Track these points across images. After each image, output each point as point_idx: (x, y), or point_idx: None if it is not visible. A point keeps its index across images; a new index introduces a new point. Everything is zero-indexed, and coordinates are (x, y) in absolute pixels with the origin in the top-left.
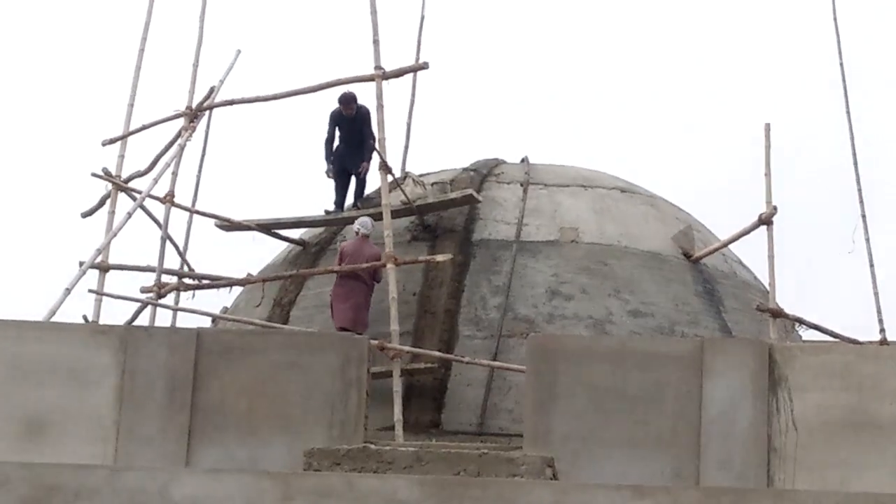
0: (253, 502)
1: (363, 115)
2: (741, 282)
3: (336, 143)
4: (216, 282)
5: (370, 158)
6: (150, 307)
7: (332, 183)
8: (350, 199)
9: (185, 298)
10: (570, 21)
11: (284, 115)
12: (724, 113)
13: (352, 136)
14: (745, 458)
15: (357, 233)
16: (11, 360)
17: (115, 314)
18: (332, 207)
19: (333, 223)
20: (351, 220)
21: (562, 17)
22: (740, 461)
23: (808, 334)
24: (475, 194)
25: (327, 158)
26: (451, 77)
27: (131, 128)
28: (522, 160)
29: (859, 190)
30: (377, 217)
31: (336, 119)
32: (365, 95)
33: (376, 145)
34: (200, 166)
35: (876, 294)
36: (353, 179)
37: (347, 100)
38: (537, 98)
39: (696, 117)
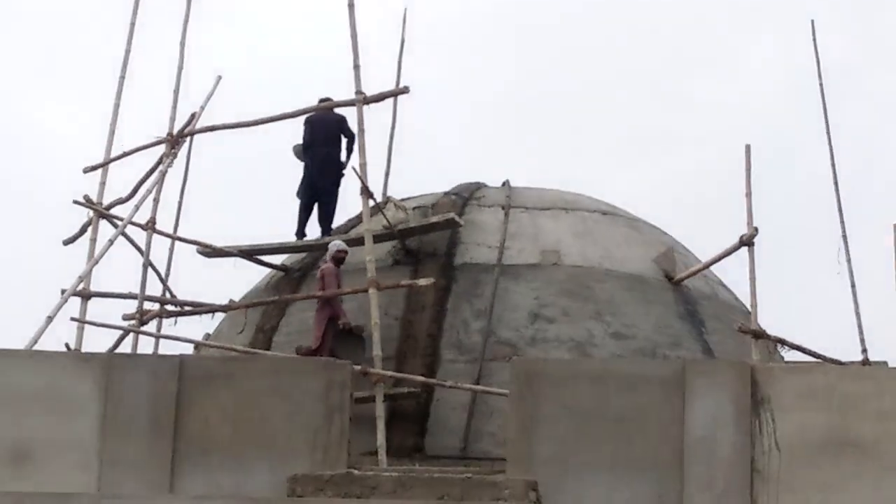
0: None
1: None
2: (723, 303)
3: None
4: (198, 308)
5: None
6: (132, 334)
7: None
8: (314, 225)
9: (168, 325)
10: (550, 44)
11: (266, 141)
12: (705, 134)
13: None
14: (727, 479)
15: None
16: None
17: (98, 342)
18: (305, 235)
19: (315, 249)
20: None
21: (542, 40)
22: (723, 483)
23: (790, 355)
24: (457, 218)
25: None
26: (433, 101)
27: (112, 154)
28: (504, 184)
29: (840, 210)
30: (358, 242)
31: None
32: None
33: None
34: (182, 192)
35: (857, 314)
36: (317, 206)
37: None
38: (518, 121)
39: (677, 139)
